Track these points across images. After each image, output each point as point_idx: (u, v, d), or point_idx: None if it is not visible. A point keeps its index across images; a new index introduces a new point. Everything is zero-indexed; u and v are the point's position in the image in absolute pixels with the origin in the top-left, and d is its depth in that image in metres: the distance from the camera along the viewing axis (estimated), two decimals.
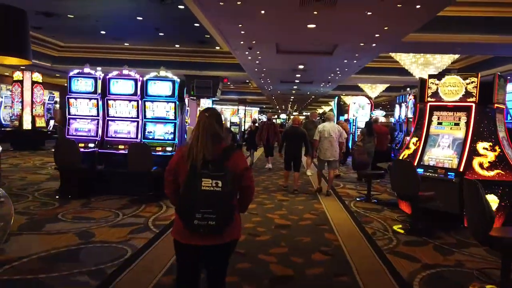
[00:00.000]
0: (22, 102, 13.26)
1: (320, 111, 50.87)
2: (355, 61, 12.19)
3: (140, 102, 6.64)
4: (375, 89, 22.20)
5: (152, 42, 16.07)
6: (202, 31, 12.89)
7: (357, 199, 7.20)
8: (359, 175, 7.43)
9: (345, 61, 12.14)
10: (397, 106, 12.63)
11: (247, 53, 11.21)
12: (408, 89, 12.58)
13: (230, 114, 20.73)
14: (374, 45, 9.61)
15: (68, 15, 12.13)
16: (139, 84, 6.63)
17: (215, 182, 2.02)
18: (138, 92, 6.64)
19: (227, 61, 17.17)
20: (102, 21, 12.75)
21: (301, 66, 13.45)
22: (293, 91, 24.34)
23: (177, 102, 6.61)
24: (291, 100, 33.36)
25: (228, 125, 16.54)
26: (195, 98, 15.92)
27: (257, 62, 12.83)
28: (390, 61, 16.52)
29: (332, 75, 15.55)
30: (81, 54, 17.06)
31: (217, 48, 16.10)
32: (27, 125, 13.24)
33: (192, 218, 2.01)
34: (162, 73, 6.72)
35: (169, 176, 2.25)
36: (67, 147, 5.97)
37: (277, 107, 46.06)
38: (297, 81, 18.11)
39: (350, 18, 7.59)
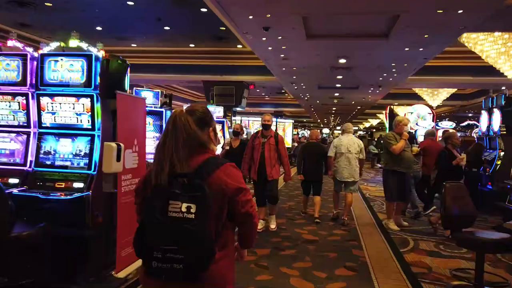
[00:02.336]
0: None
1: (367, 125, 46.35)
2: (420, 49, 8.54)
3: (31, 97, 3.58)
4: (437, 97, 18.08)
5: (163, 42, 13.43)
6: (215, 22, 9.98)
7: None
8: (461, 242, 3.76)
9: (406, 49, 8.53)
10: (484, 113, 8.74)
11: (264, 38, 7.98)
12: (504, 87, 8.77)
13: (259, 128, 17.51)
14: (460, 11, 5.98)
15: (45, 3, 9.70)
16: (29, 65, 3.57)
17: (186, 206, 1.41)
18: (28, 80, 3.58)
19: (251, 62, 14.08)
20: (89, 11, 10.23)
21: (342, 61, 9.98)
22: (335, 100, 20.72)
23: (97, 97, 3.46)
24: (333, 112, 29.59)
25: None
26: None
27: (282, 55, 9.56)
28: (461, 57, 12.59)
29: (385, 75, 11.88)
30: None
31: (239, 46, 13.09)
32: None
33: (150, 257, 1.42)
34: (73, 42, 3.63)
35: (136, 199, 1.68)
36: None
37: (318, 120, 42.35)
38: (338, 85, 14.56)
39: None
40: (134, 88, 6.51)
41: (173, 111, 1.60)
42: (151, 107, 6.60)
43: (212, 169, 1.53)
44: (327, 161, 6.34)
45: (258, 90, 23.02)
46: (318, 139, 7.19)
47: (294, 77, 12.92)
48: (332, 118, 37.53)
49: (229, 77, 14.95)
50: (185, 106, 2.18)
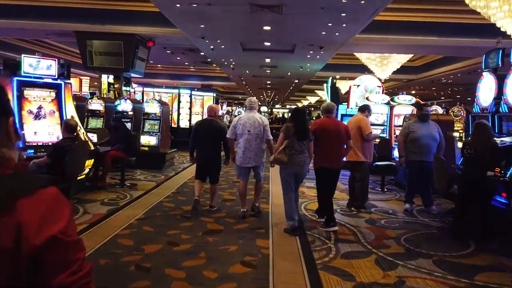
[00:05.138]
0: None
1: (305, 102, 43.63)
2: None
3: None
4: (386, 67, 15.11)
5: None
6: None
7: None
8: None
9: None
10: (487, 76, 5.39)
11: None
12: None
13: (169, 101, 13.21)
14: None
15: None
16: None
17: None
18: None
19: (146, 7, 9.69)
20: None
21: None
22: (268, 71, 16.99)
23: None
24: (268, 86, 25.99)
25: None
26: None
27: None
28: (422, 10, 9.37)
29: (330, 24, 8.22)
30: None
31: None
32: None
33: None
34: None
35: None
36: None
37: (255, 97, 38.77)
38: (267, 44, 10.72)
39: None
40: None
41: None
42: None
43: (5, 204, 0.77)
44: (226, 143, 5.36)
45: (179, 58, 18.60)
46: (217, 115, 5.90)
47: (202, 25, 8.80)
48: (269, 93, 34.07)
49: (114, 28, 10.41)
50: None
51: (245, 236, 4.27)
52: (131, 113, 9.00)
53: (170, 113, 12.73)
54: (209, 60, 16.23)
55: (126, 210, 5.10)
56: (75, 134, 4.89)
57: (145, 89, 13.79)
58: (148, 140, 8.86)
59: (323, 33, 9.00)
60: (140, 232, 4.25)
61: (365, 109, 6.01)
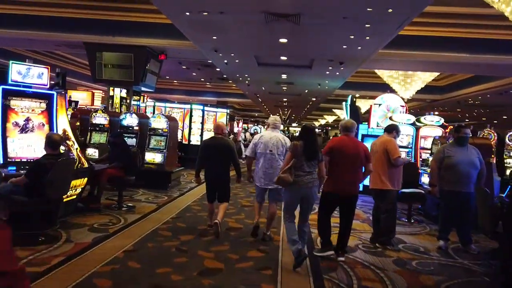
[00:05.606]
0: None
1: (322, 121, 42.83)
2: None
3: None
4: (410, 86, 14.33)
5: None
6: None
7: None
8: None
9: None
10: None
11: None
12: None
13: (179, 118, 12.69)
14: None
15: None
16: None
17: None
18: None
19: (157, 18, 9.31)
20: None
21: None
22: (284, 88, 16.40)
23: None
24: (285, 104, 25.40)
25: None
26: None
27: None
28: (451, 24, 8.67)
29: (352, 37, 7.58)
30: None
31: None
32: None
33: None
34: None
35: None
36: None
37: (270, 115, 38.29)
38: (283, 58, 10.13)
39: None
40: None
41: None
42: None
43: None
44: (236, 160, 5.13)
45: (194, 74, 18.30)
46: (224, 133, 5.45)
47: (214, 37, 8.29)
48: (285, 111, 33.48)
49: (124, 39, 10.03)
50: None
51: (248, 278, 3.59)
52: (136, 128, 8.47)
53: (181, 129, 12.21)
54: (225, 76, 15.82)
55: (114, 239, 4.45)
56: (59, 150, 4.31)
57: (157, 104, 13.35)
58: (153, 157, 8.27)
59: (344, 46, 8.35)
60: (124, 269, 3.57)
61: (392, 130, 5.25)
